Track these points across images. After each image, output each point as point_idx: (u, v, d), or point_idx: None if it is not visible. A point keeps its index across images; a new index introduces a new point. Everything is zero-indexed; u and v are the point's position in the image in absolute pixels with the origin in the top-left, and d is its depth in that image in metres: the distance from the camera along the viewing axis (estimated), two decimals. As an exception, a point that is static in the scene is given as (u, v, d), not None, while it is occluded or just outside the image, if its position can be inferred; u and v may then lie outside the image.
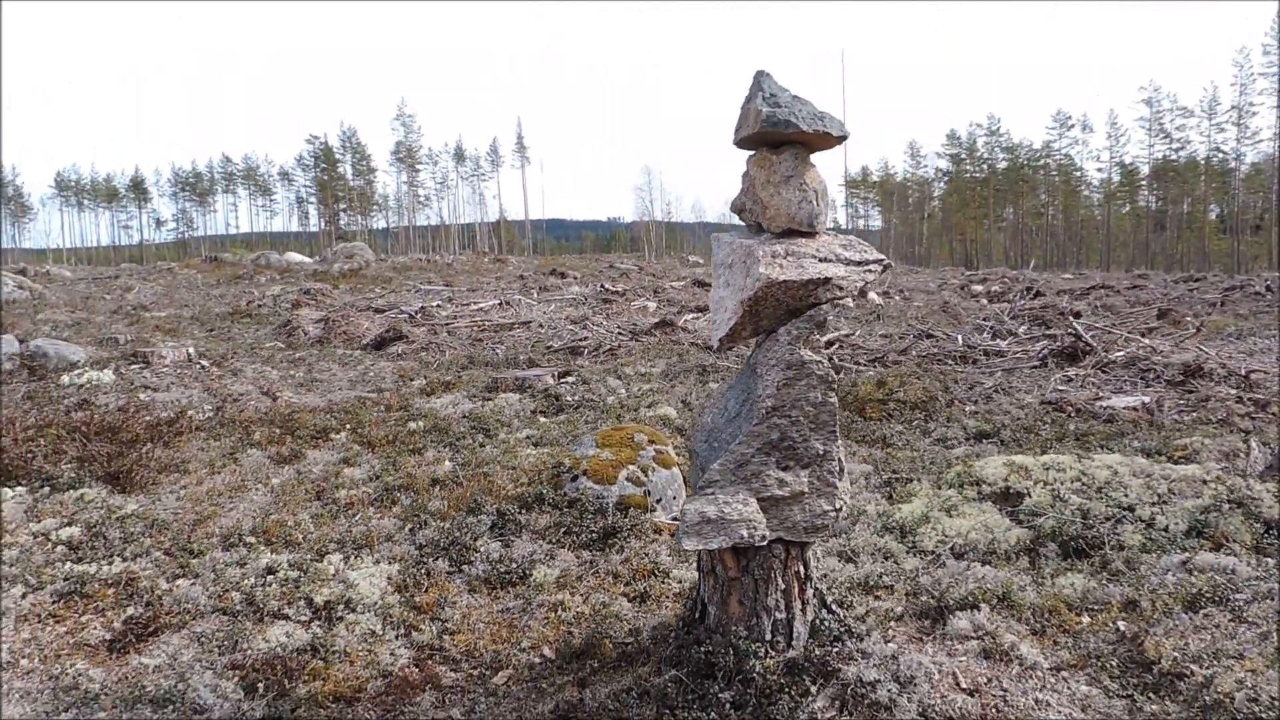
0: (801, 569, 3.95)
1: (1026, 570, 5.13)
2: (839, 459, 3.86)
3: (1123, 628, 4.26)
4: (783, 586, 3.89)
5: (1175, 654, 3.91)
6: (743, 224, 4.05)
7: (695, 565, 4.53)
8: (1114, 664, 3.97)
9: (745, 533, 3.68)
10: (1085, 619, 4.44)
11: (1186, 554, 4.98)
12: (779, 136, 3.65)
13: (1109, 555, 5.13)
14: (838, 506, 3.86)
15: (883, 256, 3.78)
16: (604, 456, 6.32)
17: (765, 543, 3.76)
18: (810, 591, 4.00)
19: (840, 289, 3.66)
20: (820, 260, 3.64)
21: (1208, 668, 3.78)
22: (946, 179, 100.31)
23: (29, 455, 7.40)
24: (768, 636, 3.86)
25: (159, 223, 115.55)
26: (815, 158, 3.87)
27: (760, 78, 3.74)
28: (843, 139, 3.68)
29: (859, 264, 3.72)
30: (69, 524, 6.21)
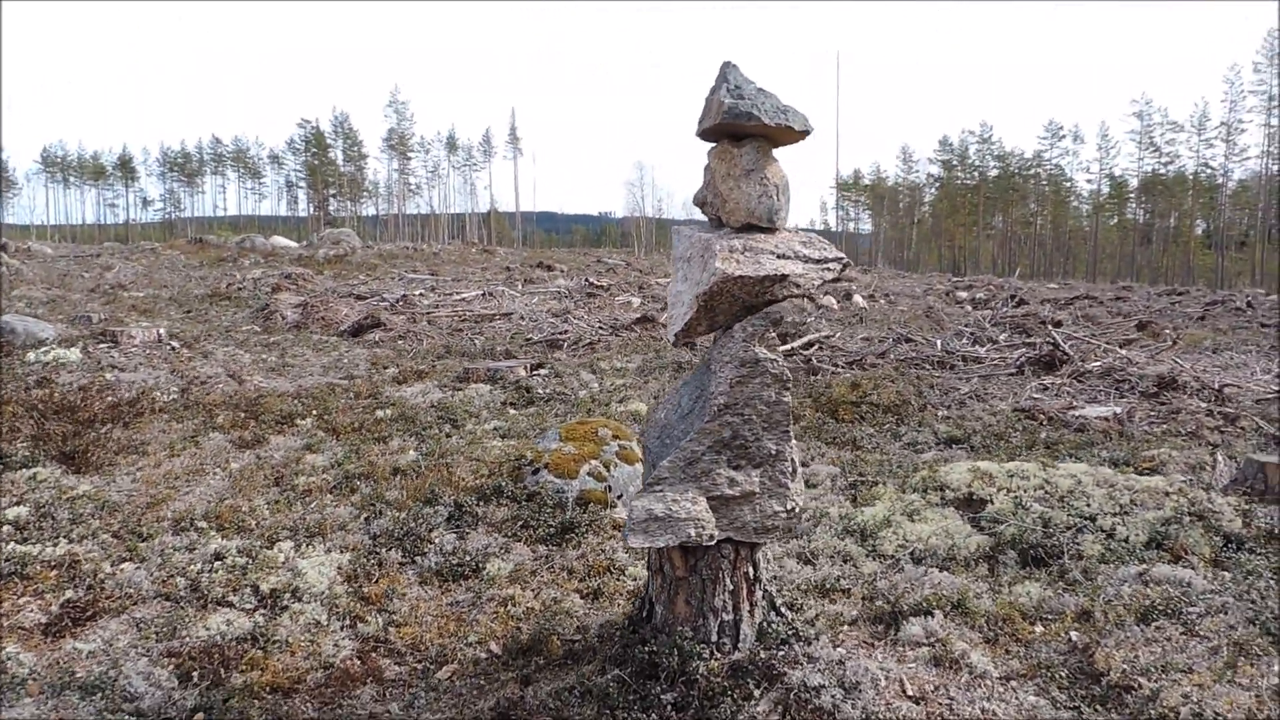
0: (751, 570, 3.88)
1: (985, 577, 5.09)
2: (792, 459, 3.79)
3: (1075, 638, 4.22)
4: (731, 587, 3.82)
5: (1125, 666, 3.87)
6: (705, 218, 3.98)
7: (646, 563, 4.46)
8: (1063, 674, 3.92)
9: (693, 532, 3.61)
10: (1039, 628, 4.40)
11: (1144, 565, 4.94)
12: (741, 129, 3.58)
13: (1067, 564, 5.09)
14: (790, 508, 3.80)
15: (842, 255, 3.72)
16: (567, 450, 6.24)
17: (714, 543, 3.70)
18: (759, 593, 3.94)
19: (798, 286, 3.59)
20: (778, 257, 3.58)
21: (1155, 681, 3.74)
22: (938, 185, 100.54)
23: (-17, 432, 7.27)
24: (713, 638, 3.79)
25: (146, 202, 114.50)
26: (780, 153, 3.81)
27: (726, 69, 3.66)
28: (805, 133, 3.61)
29: (818, 262, 3.66)
30: (18, 503, 6.08)
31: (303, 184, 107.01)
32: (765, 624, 3.92)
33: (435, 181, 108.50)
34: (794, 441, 3.80)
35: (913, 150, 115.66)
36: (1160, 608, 4.34)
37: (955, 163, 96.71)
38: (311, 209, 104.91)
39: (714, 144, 3.74)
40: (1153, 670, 3.81)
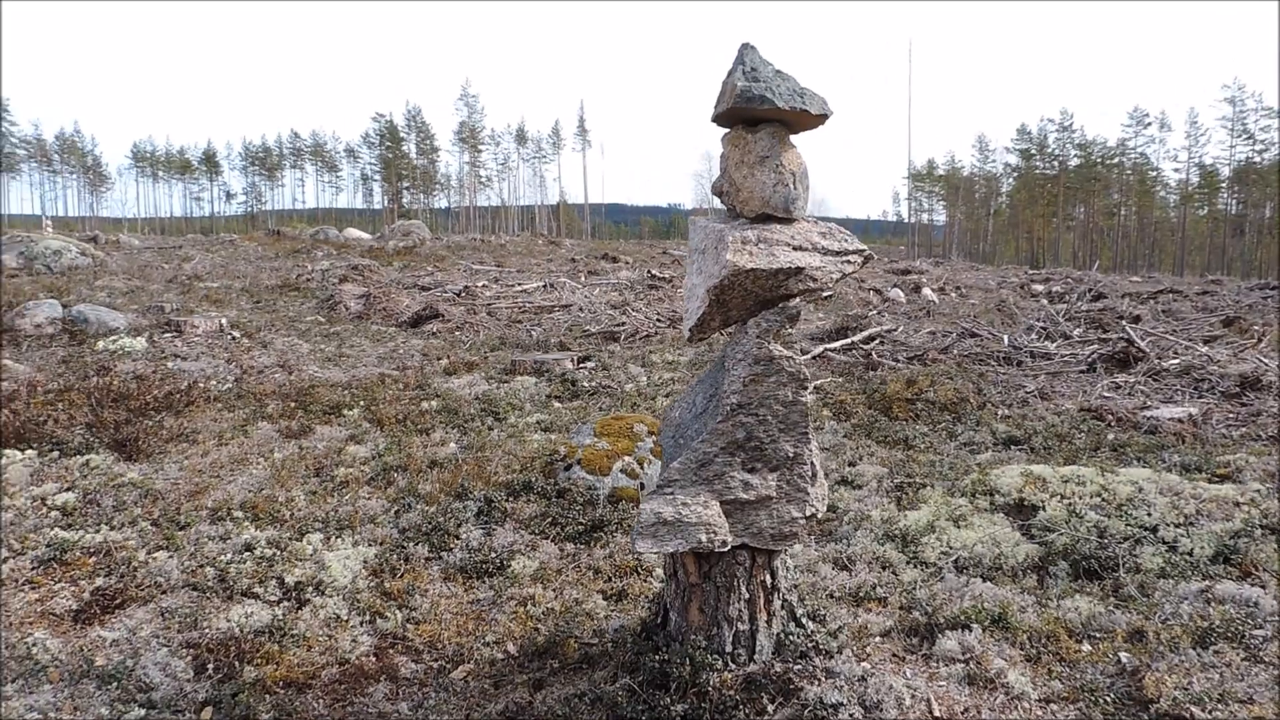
0: (769, 578, 3.70)
1: (1032, 590, 4.80)
2: (812, 463, 3.59)
3: (1124, 659, 3.93)
4: (746, 596, 3.65)
5: (1176, 693, 3.58)
6: (724, 208, 3.80)
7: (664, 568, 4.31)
8: (1109, 699, 3.65)
9: (704, 537, 3.45)
10: (1086, 647, 4.11)
11: (1208, 582, 4.60)
12: (755, 114, 3.39)
13: (1123, 578, 4.77)
14: (809, 514, 3.61)
15: (864, 247, 3.50)
16: (600, 446, 6.12)
17: (727, 549, 3.53)
18: (778, 603, 3.75)
19: (814, 280, 3.39)
20: (794, 249, 3.38)
21: (1209, 710, 3.44)
22: (1015, 175, 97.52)
23: (43, 419, 7.48)
24: (728, 648, 3.63)
25: (229, 195, 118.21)
26: (801, 138, 3.61)
27: (744, 51, 3.47)
28: (824, 117, 3.40)
29: (837, 254, 3.45)
30: (68, 489, 6.23)
31: (377, 177, 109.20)
32: (783, 635, 3.73)
33: (505, 174, 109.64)
34: (814, 444, 3.60)
35: (989, 139, 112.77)
36: (1220, 630, 4.01)
37: (1034, 152, 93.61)
38: (386, 201, 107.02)
39: (728, 130, 3.55)
40: (1207, 699, 3.51)
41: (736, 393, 3.44)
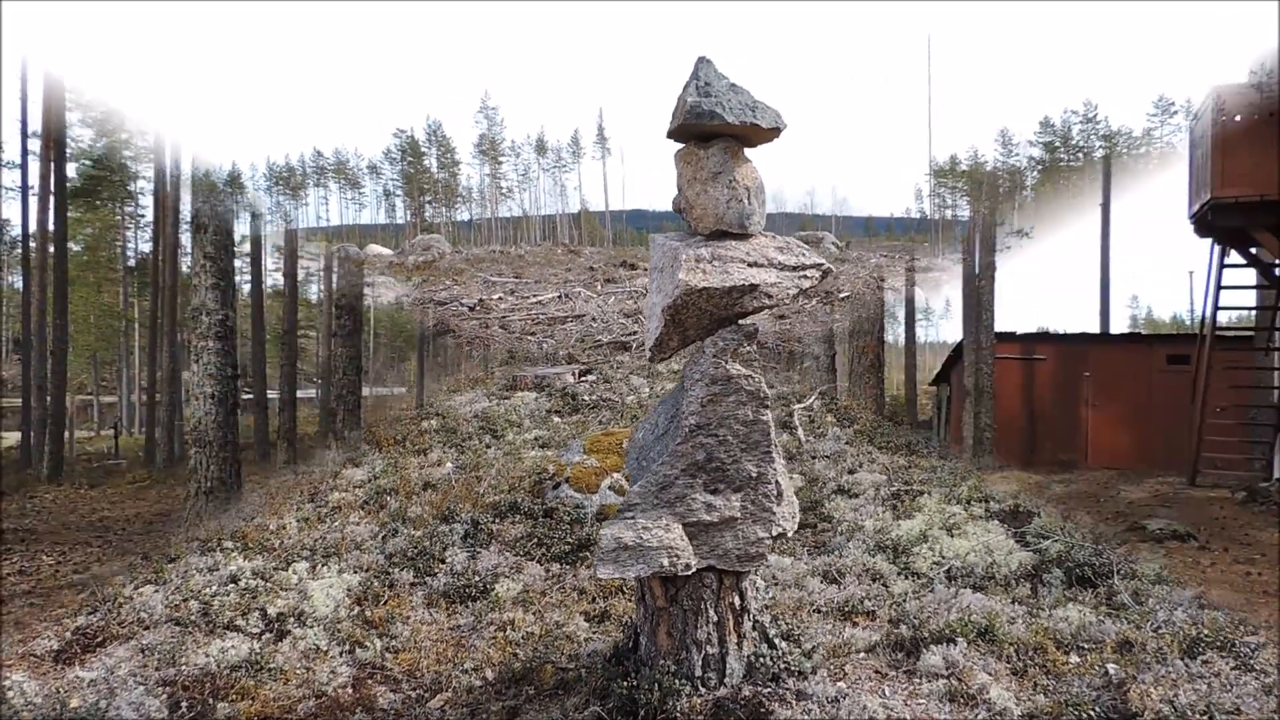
0: (737, 600, 3.63)
1: (1025, 599, 4.69)
2: (777, 482, 3.52)
3: (1112, 671, 3.82)
4: (715, 619, 3.58)
5: (1162, 705, 3.46)
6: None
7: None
8: (1094, 713, 3.53)
9: (666, 561, 3.39)
10: (1074, 659, 4.01)
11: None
12: (707, 129, 3.34)
13: (1117, 585, 4.65)
14: (776, 534, 3.54)
15: (822, 261, 3.43)
16: (589, 464, 6.08)
17: (691, 571, 3.46)
18: (748, 624, 3.68)
19: (769, 297, 3.32)
20: (750, 265, 3.32)
21: (1195, 724, 3.33)
22: (1040, 168, 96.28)
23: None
24: (697, 672, 3.56)
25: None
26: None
27: (699, 65, 3.42)
28: (776, 131, 3.34)
29: (794, 269, 3.38)
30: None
31: (399, 192, 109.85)
32: (755, 657, 3.66)
33: (526, 184, 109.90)
34: (779, 463, 3.53)
35: (1012, 133, 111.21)
36: (1210, 638, 3.88)
37: (1058, 144, 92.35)
38: (408, 216, 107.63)
39: (682, 145, 3.50)
40: (1192, 712, 3.40)
41: (695, 413, 3.38)
